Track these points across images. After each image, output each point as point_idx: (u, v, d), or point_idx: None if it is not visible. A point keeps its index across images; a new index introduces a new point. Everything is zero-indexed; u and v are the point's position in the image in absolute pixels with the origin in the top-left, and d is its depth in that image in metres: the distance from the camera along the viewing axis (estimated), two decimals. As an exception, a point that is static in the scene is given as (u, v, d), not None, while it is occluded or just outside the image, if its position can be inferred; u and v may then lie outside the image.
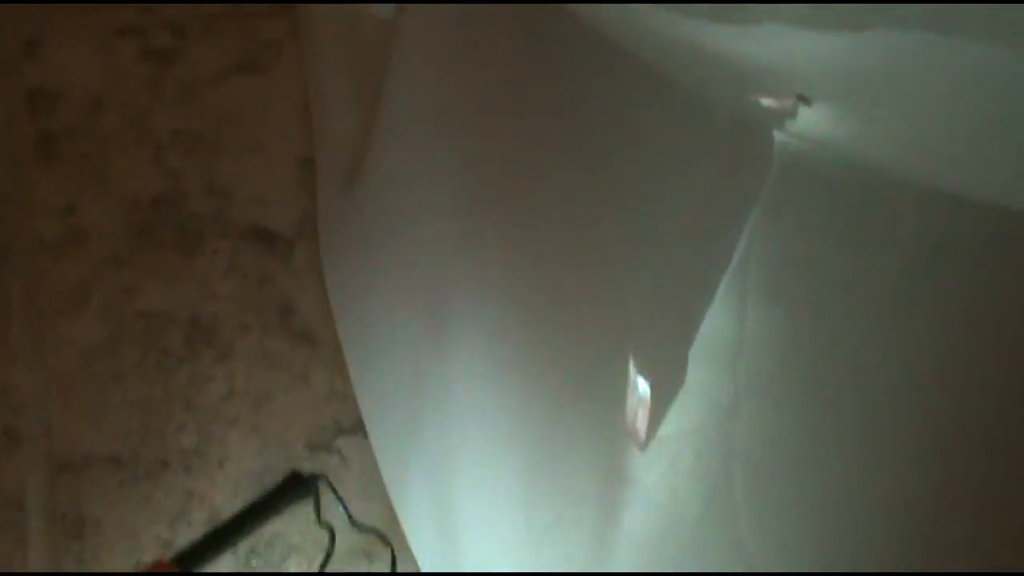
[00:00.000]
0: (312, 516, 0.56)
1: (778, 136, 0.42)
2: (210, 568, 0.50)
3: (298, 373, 0.66)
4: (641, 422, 0.52)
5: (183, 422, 0.64)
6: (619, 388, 0.52)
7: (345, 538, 0.61)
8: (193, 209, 0.72)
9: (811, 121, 0.41)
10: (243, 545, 0.60)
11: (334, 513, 0.59)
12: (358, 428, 0.64)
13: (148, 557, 0.61)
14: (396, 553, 0.59)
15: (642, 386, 0.52)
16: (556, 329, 0.55)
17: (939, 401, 0.48)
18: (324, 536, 0.58)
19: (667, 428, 0.52)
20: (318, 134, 0.75)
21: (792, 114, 0.41)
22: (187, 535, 0.62)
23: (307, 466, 0.63)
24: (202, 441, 0.63)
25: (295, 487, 0.54)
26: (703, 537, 0.51)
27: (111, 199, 0.71)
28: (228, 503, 0.62)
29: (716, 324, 0.51)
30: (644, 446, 0.52)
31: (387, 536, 0.59)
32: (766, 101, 0.42)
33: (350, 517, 0.56)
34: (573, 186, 0.53)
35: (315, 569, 0.57)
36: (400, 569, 0.60)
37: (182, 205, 0.72)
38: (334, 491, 0.55)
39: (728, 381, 0.50)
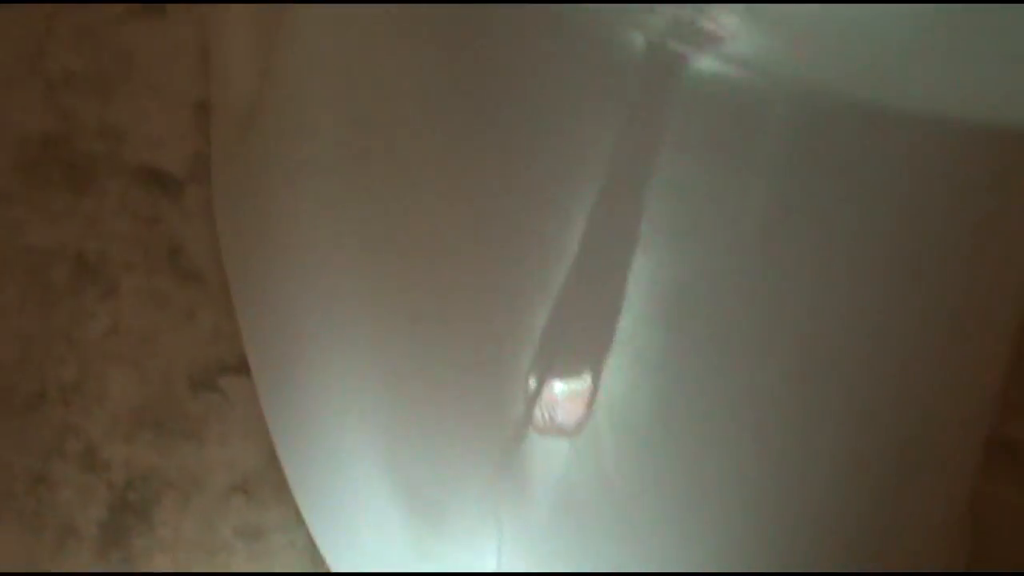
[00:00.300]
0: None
1: (701, 62, 0.42)
2: None
3: (183, 312, 0.65)
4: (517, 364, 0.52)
5: (63, 356, 0.63)
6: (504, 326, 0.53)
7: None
8: (84, 148, 0.71)
9: (742, 43, 0.40)
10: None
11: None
12: (242, 368, 0.64)
13: (19, 488, 0.60)
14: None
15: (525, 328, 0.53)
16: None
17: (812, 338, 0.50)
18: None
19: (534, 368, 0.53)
20: (215, 79, 0.75)
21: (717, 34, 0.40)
22: (61, 470, 0.61)
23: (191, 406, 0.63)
24: (82, 376, 0.63)
25: None
26: (572, 468, 0.52)
27: (-1, 135, 0.70)
28: (106, 438, 0.61)
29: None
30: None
31: None
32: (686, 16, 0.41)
33: None
34: (457, 139, 0.53)
35: None
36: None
37: (73, 144, 0.71)
38: None
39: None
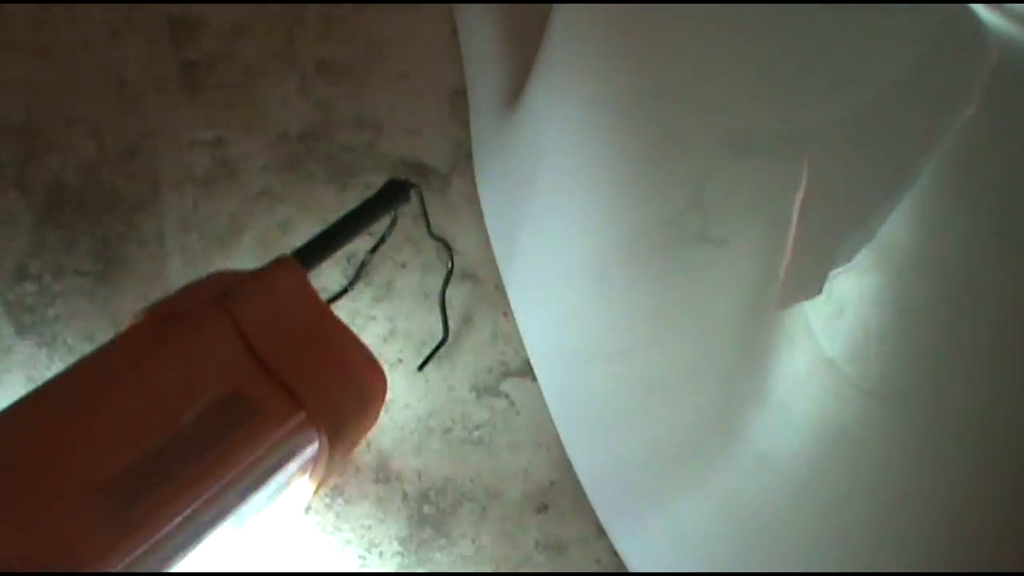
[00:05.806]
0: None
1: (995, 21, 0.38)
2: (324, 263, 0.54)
3: (460, 314, 0.64)
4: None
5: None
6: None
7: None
8: (343, 141, 0.70)
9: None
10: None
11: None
12: (526, 371, 0.62)
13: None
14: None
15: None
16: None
17: None
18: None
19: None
20: (469, 63, 0.73)
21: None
22: (356, 483, 0.60)
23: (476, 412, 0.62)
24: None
25: (395, 192, 0.56)
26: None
27: (259, 131, 0.70)
28: (396, 448, 0.60)
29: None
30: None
31: (452, 248, 0.64)
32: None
33: (428, 226, 0.61)
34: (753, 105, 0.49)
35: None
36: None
37: (332, 137, 0.70)
38: (422, 201, 0.59)
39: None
